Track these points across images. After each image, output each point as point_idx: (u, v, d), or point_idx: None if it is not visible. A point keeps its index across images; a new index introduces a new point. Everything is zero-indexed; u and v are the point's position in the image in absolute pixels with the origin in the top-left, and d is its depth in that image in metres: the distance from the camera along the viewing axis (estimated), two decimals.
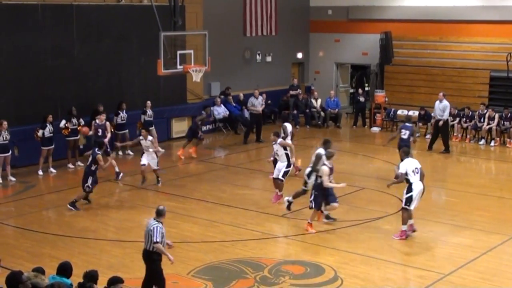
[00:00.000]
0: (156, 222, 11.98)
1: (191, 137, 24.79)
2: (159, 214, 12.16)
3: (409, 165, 15.64)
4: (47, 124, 21.73)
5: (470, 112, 27.73)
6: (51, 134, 21.85)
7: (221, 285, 13.20)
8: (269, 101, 31.73)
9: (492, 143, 26.68)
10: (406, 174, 15.55)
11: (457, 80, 30.32)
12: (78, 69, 24.29)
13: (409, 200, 15.55)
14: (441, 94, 25.91)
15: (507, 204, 19.13)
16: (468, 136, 27.71)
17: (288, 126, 21.31)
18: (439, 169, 23.46)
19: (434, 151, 25.44)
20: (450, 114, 26.26)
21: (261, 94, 28.41)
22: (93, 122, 22.81)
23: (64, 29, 23.89)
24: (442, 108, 25.52)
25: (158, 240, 11.77)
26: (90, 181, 18.30)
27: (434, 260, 14.87)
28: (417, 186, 15.55)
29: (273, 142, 19.11)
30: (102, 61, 25.06)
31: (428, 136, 27.58)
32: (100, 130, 22.63)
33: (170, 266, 14.14)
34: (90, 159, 18.34)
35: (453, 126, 27.87)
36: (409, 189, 15.57)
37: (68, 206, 17.99)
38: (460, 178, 21.43)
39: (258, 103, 28.08)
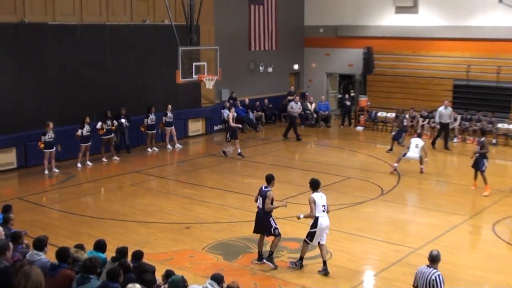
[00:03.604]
0: (435, 270, 8.80)
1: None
2: (434, 260, 8.95)
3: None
4: (85, 125, 21.78)
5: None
6: (88, 133, 21.89)
7: (230, 258, 13.27)
8: (270, 105, 31.81)
9: (455, 140, 26.70)
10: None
11: (426, 87, 30.31)
12: (110, 78, 24.32)
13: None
14: (446, 102, 25.83)
15: (467, 190, 19.13)
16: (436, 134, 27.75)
17: None
18: (412, 162, 23.45)
19: (436, 148, 25.26)
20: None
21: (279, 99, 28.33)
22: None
23: (98, 45, 23.93)
24: (449, 114, 25.42)
25: None
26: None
27: (407, 237, 14.93)
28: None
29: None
30: (130, 72, 25.09)
31: (393, 133, 27.64)
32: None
33: (186, 243, 14.26)
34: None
35: (423, 126, 27.91)
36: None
37: (265, 261, 12.96)
38: (429, 169, 21.42)
39: (296, 107, 28.07)
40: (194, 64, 21.81)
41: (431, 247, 13.85)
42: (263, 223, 12.83)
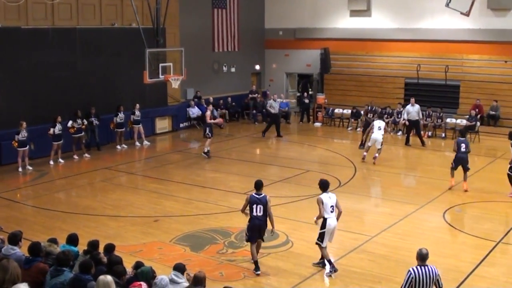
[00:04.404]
0: (432, 266, 8.42)
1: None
2: (425, 258, 8.38)
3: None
4: (57, 124, 21.48)
5: (391, 110, 28.02)
6: (60, 132, 21.60)
7: (197, 249, 13.19)
8: (233, 103, 31.77)
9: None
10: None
11: (380, 85, 30.62)
12: (80, 79, 24.01)
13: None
14: (413, 100, 25.28)
15: (418, 181, 19.41)
16: (389, 129, 27.98)
17: None
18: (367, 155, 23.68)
19: (411, 145, 25.07)
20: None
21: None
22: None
23: (69, 48, 23.62)
24: (416, 111, 24.93)
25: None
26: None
27: (363, 226, 15.03)
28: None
29: None
30: (100, 73, 24.79)
31: (359, 129, 27.77)
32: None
33: (155, 235, 14.16)
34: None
35: None
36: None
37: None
38: (383, 161, 21.60)
39: (275, 105, 27.71)
40: (160, 65, 21.66)
41: (385, 235, 14.08)
42: (263, 230, 11.90)
